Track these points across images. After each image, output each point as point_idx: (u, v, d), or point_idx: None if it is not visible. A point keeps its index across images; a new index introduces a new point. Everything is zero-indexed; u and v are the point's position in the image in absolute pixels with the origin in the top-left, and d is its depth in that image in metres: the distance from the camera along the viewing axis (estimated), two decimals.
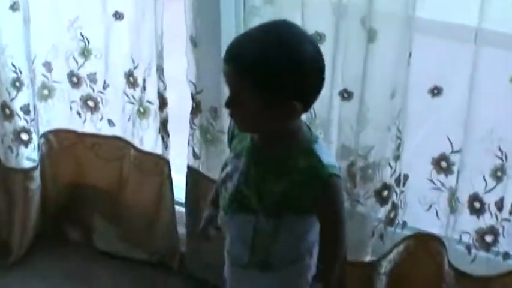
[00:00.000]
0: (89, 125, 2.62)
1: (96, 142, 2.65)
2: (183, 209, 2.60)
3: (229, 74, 1.52)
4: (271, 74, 1.47)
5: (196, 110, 2.32)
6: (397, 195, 2.07)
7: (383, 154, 1.99)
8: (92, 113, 2.60)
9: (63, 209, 2.79)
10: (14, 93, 2.43)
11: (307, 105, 1.56)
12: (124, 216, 2.71)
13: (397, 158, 2.01)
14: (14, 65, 2.39)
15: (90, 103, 2.58)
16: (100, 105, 2.58)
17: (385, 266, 2.15)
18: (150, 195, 2.62)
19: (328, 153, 1.63)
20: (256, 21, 2.00)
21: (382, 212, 2.08)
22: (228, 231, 1.73)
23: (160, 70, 2.34)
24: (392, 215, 2.09)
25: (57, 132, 2.67)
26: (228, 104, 1.56)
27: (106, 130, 2.61)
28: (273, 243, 1.64)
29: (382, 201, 2.05)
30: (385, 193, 2.05)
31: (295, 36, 1.53)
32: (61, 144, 2.69)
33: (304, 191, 1.56)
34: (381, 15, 1.86)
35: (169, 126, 2.43)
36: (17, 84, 2.42)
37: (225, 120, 2.31)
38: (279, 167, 1.59)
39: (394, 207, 2.09)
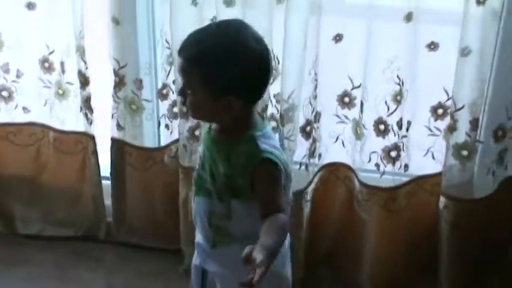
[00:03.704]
0: (3, 114, 2.74)
1: (11, 131, 2.78)
2: (106, 182, 2.80)
3: (180, 66, 1.62)
4: (214, 69, 1.57)
5: (119, 83, 2.55)
6: (315, 130, 2.44)
7: (305, 95, 2.35)
8: (6, 103, 2.72)
9: None
10: None
11: (249, 101, 1.65)
12: (45, 199, 2.87)
13: (315, 97, 2.38)
14: None
15: (4, 93, 2.71)
16: (14, 94, 2.71)
17: (309, 193, 2.52)
18: (72, 173, 2.80)
19: (272, 144, 1.66)
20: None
21: (306, 145, 2.43)
22: (195, 218, 1.80)
23: (80, 50, 2.53)
24: (313, 148, 2.46)
25: None
26: (179, 93, 1.70)
27: (21, 118, 2.75)
28: (228, 223, 1.72)
29: (307, 136, 2.41)
30: (308, 128, 2.41)
31: (243, 35, 1.60)
32: None
33: (242, 171, 1.63)
34: None
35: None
36: None
37: (148, 89, 2.57)
38: (227, 152, 1.66)
39: (314, 141, 2.46)
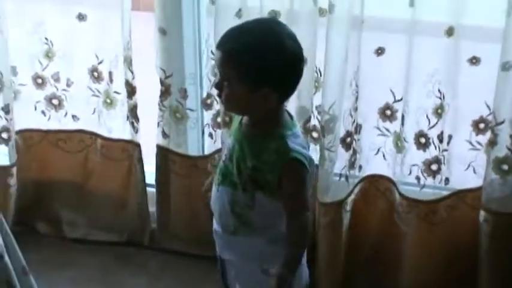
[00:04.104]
0: (54, 122, 2.84)
1: (61, 138, 2.87)
2: (151, 189, 2.87)
3: (218, 60, 1.73)
4: (251, 62, 1.67)
5: (165, 93, 2.62)
6: (355, 141, 2.48)
7: (346, 106, 2.38)
8: (56, 110, 2.82)
9: (31, 205, 2.98)
10: None
11: (283, 95, 1.76)
12: (91, 204, 2.95)
13: (355, 109, 2.42)
14: None
15: (55, 101, 2.80)
16: (64, 102, 2.80)
17: (349, 204, 2.55)
18: (118, 180, 2.88)
19: (300, 142, 1.77)
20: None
21: (346, 156, 2.47)
22: (215, 206, 1.91)
23: (128, 61, 2.61)
24: (353, 159, 2.50)
25: (22, 132, 2.86)
26: (217, 86, 1.77)
27: (71, 125, 2.84)
28: (251, 212, 1.81)
29: (347, 147, 2.45)
30: (348, 140, 2.45)
31: (279, 33, 1.72)
32: (27, 143, 2.89)
33: (271, 168, 1.74)
34: None
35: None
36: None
37: (193, 99, 2.64)
38: (256, 146, 1.77)
39: (354, 152, 2.49)
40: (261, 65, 1.68)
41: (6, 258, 2.12)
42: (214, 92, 2.50)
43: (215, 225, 1.93)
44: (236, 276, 1.97)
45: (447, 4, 2.22)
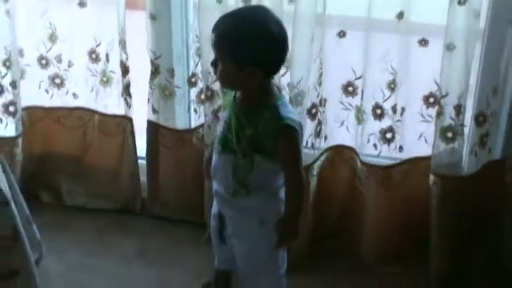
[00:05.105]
0: (56, 99, 3.18)
1: (62, 115, 3.21)
2: (142, 161, 3.20)
3: (213, 41, 2.01)
4: (240, 43, 1.96)
5: (155, 72, 2.95)
6: (320, 113, 2.81)
7: (311, 82, 2.72)
8: (58, 89, 3.16)
9: (34, 175, 3.30)
10: (4, 71, 2.96)
11: (268, 73, 2.05)
12: (89, 175, 3.28)
13: (319, 84, 2.75)
14: (5, 48, 2.94)
15: (57, 80, 3.14)
16: (65, 81, 3.14)
17: (315, 169, 2.88)
18: (113, 152, 3.21)
19: (289, 110, 2.07)
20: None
21: (312, 126, 2.80)
22: (216, 172, 2.20)
23: (122, 43, 2.95)
24: (318, 128, 2.83)
25: (28, 109, 3.19)
26: (212, 64, 2.06)
27: (71, 103, 3.18)
28: (249, 175, 2.11)
29: (312, 117, 2.79)
30: (313, 111, 2.79)
31: (264, 17, 2.00)
32: (31, 119, 3.22)
33: (267, 134, 2.05)
34: None
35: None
36: (7, 63, 2.96)
37: (180, 78, 2.97)
38: (252, 117, 2.07)
39: (319, 123, 2.83)
40: (248, 46, 1.96)
41: (13, 206, 2.43)
42: (199, 70, 2.85)
43: (216, 187, 2.22)
44: (234, 230, 2.27)
45: None
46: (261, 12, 2.05)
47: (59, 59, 3.11)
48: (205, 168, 2.40)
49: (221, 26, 2.01)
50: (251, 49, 1.98)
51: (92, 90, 3.12)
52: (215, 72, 2.09)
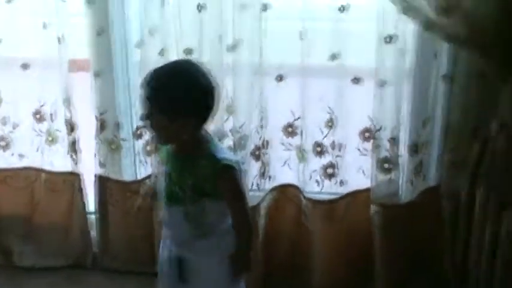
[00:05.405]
0: (1, 161, 3.23)
1: (8, 175, 3.25)
2: (91, 216, 3.27)
3: (144, 96, 2.09)
4: (168, 100, 2.04)
5: (101, 127, 3.05)
6: (263, 155, 2.95)
7: (253, 126, 2.86)
8: (3, 151, 3.21)
9: None
10: None
11: (198, 123, 2.11)
12: (39, 234, 3.31)
13: (261, 127, 2.90)
14: None
15: (2, 143, 3.20)
16: (11, 143, 3.20)
17: (262, 209, 3.00)
18: (62, 209, 3.26)
19: (224, 151, 2.17)
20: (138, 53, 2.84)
21: (256, 166, 2.94)
22: (169, 223, 2.28)
23: (67, 102, 3.04)
24: (262, 170, 2.97)
25: None
26: (143, 118, 2.19)
27: (17, 163, 3.23)
28: (202, 219, 2.19)
29: (256, 159, 2.93)
30: (257, 153, 2.92)
31: (192, 71, 2.09)
32: None
33: (208, 179, 2.12)
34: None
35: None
36: None
37: (125, 131, 3.08)
38: (190, 165, 2.14)
39: (263, 164, 2.97)
40: (176, 101, 2.04)
41: None
42: (144, 124, 2.96)
43: (172, 235, 2.29)
44: (195, 271, 2.28)
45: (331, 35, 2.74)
46: (189, 66, 2.14)
47: (3, 122, 3.16)
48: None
49: (150, 82, 2.08)
50: (181, 102, 2.04)
51: (37, 150, 3.18)
52: (151, 125, 2.15)
